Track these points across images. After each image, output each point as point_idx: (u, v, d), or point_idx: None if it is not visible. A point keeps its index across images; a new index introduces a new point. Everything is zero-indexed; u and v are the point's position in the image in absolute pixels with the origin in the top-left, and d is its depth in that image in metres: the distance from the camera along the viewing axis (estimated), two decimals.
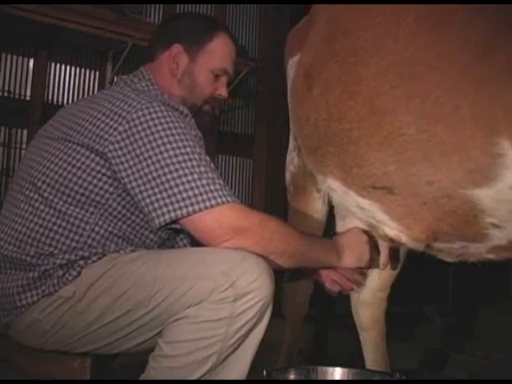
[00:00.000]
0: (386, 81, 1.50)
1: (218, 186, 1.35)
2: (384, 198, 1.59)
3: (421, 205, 1.52)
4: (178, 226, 1.38)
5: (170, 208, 1.33)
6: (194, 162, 1.35)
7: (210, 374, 1.30)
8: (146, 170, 1.34)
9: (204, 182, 1.34)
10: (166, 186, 1.33)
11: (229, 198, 1.35)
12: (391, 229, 1.64)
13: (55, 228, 1.39)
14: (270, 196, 4.39)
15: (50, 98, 3.84)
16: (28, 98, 3.75)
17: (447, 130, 1.41)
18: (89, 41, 3.73)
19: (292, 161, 2.11)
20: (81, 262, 1.37)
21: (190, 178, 1.34)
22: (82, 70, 3.96)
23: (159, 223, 1.34)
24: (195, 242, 1.47)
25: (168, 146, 1.35)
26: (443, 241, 1.60)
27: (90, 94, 3.99)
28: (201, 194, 1.33)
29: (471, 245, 1.58)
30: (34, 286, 1.37)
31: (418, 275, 3.23)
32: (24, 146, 3.69)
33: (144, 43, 3.72)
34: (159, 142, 1.35)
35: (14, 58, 3.70)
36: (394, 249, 1.82)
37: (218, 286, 1.26)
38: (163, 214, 1.33)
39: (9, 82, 3.68)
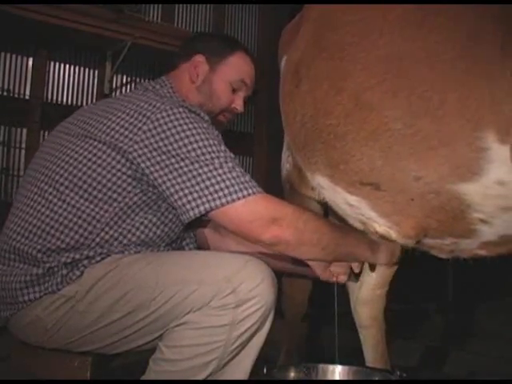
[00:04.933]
0: (372, 76, 1.49)
1: (247, 178, 1.38)
2: (372, 195, 1.58)
3: (408, 201, 1.52)
4: (206, 218, 1.39)
5: (204, 200, 1.34)
6: (222, 159, 1.38)
7: (210, 379, 1.30)
8: (176, 166, 1.35)
9: (234, 174, 1.36)
10: (198, 179, 1.34)
11: (260, 189, 1.38)
12: (380, 225, 1.64)
13: (66, 222, 1.40)
14: (270, 194, 4.39)
15: (50, 97, 3.85)
16: (27, 97, 3.75)
17: (433, 125, 1.40)
18: (88, 40, 3.73)
19: (287, 159, 2.11)
20: (85, 262, 1.37)
21: (220, 171, 1.36)
22: (82, 69, 3.97)
23: (194, 215, 1.35)
24: (201, 248, 1.47)
25: (195, 145, 1.37)
26: (433, 237, 1.60)
27: (90, 93, 3.99)
28: (233, 186, 1.35)
29: (461, 241, 1.58)
30: (37, 283, 1.37)
31: (417, 272, 3.24)
32: (23, 144, 3.70)
33: (143, 42, 3.73)
34: (185, 140, 1.37)
35: (14, 56, 3.70)
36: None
37: (220, 291, 1.27)
38: (198, 206, 1.34)
39: (8, 80, 3.68)
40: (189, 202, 1.35)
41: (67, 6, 3.45)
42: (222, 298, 1.27)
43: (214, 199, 1.34)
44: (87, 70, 3.99)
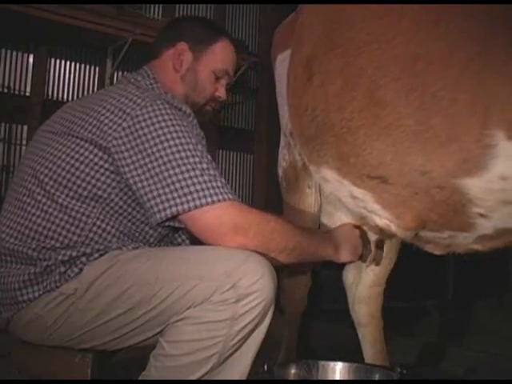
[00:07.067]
0: (387, 74, 1.52)
1: (219, 184, 1.36)
2: (378, 188, 1.61)
3: (413, 194, 1.55)
4: (176, 224, 1.38)
5: (172, 203, 1.33)
6: (197, 159, 1.36)
7: (210, 374, 1.30)
8: (150, 166, 1.35)
9: (206, 178, 1.35)
10: (168, 181, 1.33)
11: (230, 196, 1.36)
12: (381, 218, 1.67)
13: (57, 221, 1.39)
14: (270, 191, 4.40)
15: (50, 93, 3.86)
16: (28, 94, 3.76)
17: (444, 122, 1.44)
18: (89, 36, 3.73)
19: (284, 157, 2.12)
20: (83, 259, 1.37)
21: (192, 173, 1.34)
22: (82, 66, 3.97)
23: (160, 218, 1.35)
24: (193, 238, 1.47)
25: (171, 143, 1.36)
26: (432, 230, 1.63)
27: (90, 89, 4.00)
28: (202, 190, 1.33)
29: (458, 234, 1.61)
30: (35, 282, 1.37)
31: (417, 270, 3.25)
32: (24, 142, 3.70)
33: (144, 39, 3.73)
34: (162, 138, 1.36)
35: (14, 54, 3.71)
36: (379, 244, 1.85)
37: (220, 286, 1.26)
38: (164, 209, 1.34)
39: (9, 78, 3.69)
40: (157, 204, 1.34)
41: (69, 4, 3.45)
42: (223, 293, 1.26)
43: (181, 203, 1.33)
44: (88, 66, 4.00)
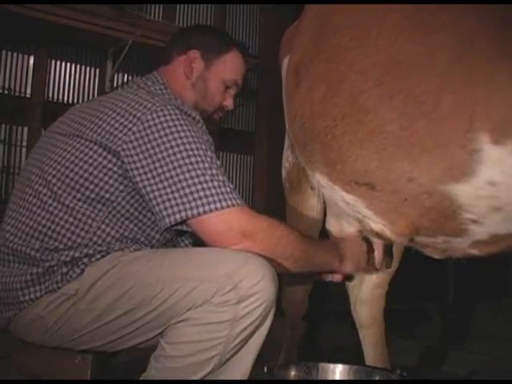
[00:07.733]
0: (368, 79, 1.51)
1: (228, 189, 1.37)
2: (367, 194, 1.60)
3: (402, 201, 1.54)
4: (184, 228, 1.39)
5: (181, 208, 1.34)
6: (206, 164, 1.37)
7: (211, 375, 1.30)
8: (160, 170, 1.35)
9: (215, 183, 1.36)
10: (178, 186, 1.34)
11: (238, 202, 1.37)
12: (376, 223, 1.66)
13: (62, 223, 1.40)
14: (271, 193, 4.40)
15: (51, 95, 3.85)
16: (28, 96, 3.75)
17: (428, 127, 1.42)
18: (89, 38, 3.73)
19: (287, 158, 2.13)
20: (85, 260, 1.37)
21: (202, 178, 1.35)
22: (83, 68, 3.97)
23: (169, 222, 1.35)
24: (197, 243, 1.47)
25: (181, 148, 1.37)
26: (426, 235, 1.62)
27: (91, 91, 4.00)
28: (212, 196, 1.34)
29: (453, 239, 1.60)
30: (37, 282, 1.37)
31: (418, 272, 3.24)
32: (24, 143, 3.70)
33: (144, 40, 3.74)
34: (173, 143, 1.37)
35: (15, 55, 3.70)
36: (388, 247, 1.85)
37: (221, 288, 1.27)
38: (174, 214, 1.34)
39: (9, 79, 3.69)
40: (166, 208, 1.35)
41: (68, 5, 3.45)
42: (223, 295, 1.27)
43: (191, 208, 1.34)
44: (88, 68, 3.99)
